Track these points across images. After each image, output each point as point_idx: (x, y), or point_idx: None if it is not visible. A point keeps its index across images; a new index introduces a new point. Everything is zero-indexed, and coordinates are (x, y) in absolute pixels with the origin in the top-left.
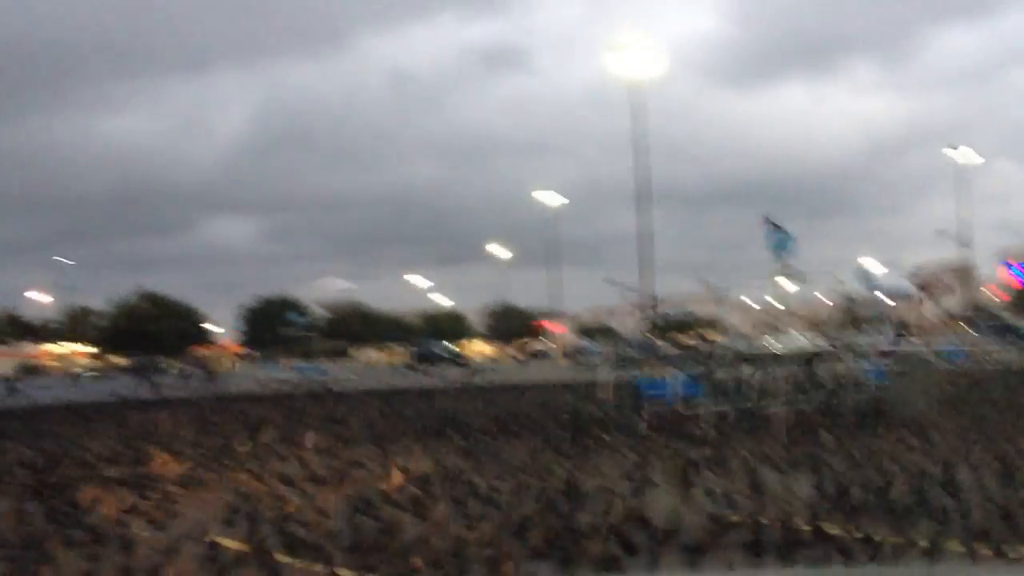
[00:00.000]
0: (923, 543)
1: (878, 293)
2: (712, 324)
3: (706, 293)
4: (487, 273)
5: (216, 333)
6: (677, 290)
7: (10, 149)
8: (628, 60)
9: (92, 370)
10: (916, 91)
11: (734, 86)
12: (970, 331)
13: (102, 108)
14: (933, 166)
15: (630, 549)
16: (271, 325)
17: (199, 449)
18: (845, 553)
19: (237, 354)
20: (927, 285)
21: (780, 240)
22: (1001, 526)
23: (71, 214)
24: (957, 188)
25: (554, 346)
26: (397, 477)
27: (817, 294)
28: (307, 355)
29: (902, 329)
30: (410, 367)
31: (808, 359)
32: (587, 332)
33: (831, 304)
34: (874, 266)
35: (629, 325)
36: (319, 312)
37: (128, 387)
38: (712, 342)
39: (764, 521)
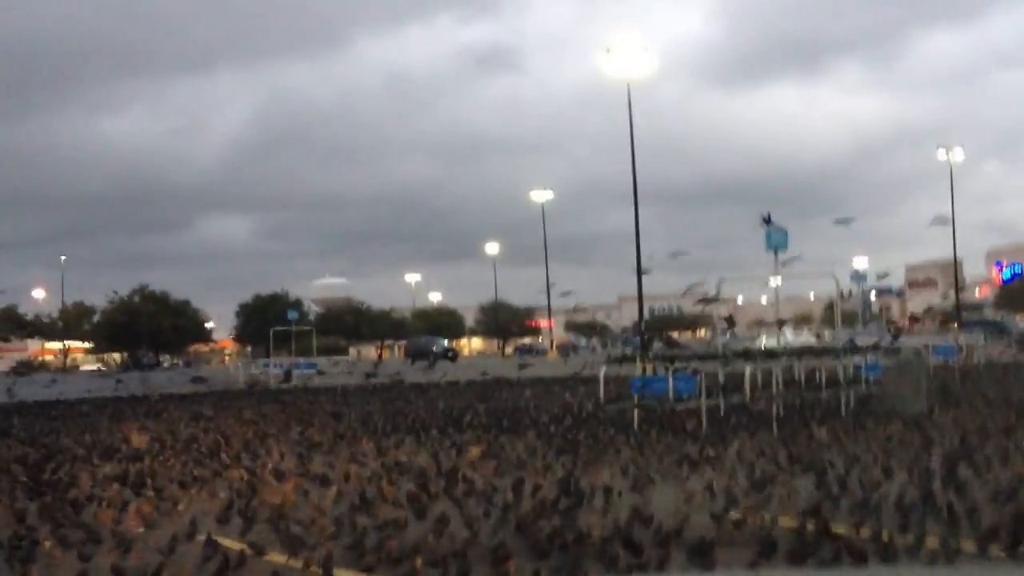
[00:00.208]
0: (934, 543)
1: (868, 290)
2: (703, 321)
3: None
4: (481, 270)
5: (214, 330)
6: (669, 288)
7: (13, 148)
8: (621, 60)
9: (99, 365)
10: (903, 92)
11: (724, 87)
12: (957, 327)
13: (104, 108)
14: (920, 166)
15: (634, 549)
16: (266, 322)
17: (194, 444)
18: (855, 554)
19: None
20: (915, 283)
21: (778, 238)
22: (1013, 525)
23: (73, 213)
24: (950, 187)
25: (545, 342)
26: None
27: (809, 292)
28: (302, 351)
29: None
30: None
31: (799, 354)
32: (579, 329)
33: (822, 301)
34: (863, 264)
35: (621, 322)
36: (314, 309)
37: (126, 383)
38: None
39: (769, 520)
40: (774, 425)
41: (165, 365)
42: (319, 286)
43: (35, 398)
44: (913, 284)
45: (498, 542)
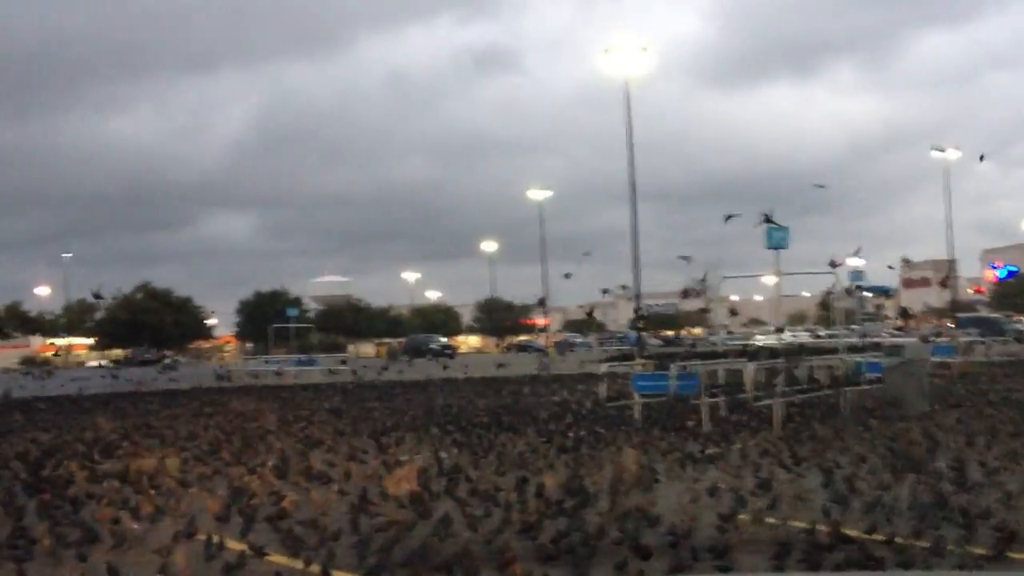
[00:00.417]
0: (949, 546)
1: (864, 289)
2: (700, 319)
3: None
4: (479, 269)
5: (215, 326)
6: (665, 286)
7: (19, 147)
8: (619, 60)
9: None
10: (897, 93)
11: (720, 87)
12: (951, 325)
13: (108, 108)
14: (914, 166)
15: (642, 552)
16: (267, 319)
17: (194, 441)
18: (868, 557)
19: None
20: (910, 282)
21: (779, 237)
22: None
23: (78, 211)
24: (944, 187)
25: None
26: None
27: (803, 291)
28: (302, 348)
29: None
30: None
31: (797, 352)
32: (575, 326)
33: (816, 300)
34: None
35: (617, 320)
36: (313, 306)
37: (128, 378)
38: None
39: (779, 521)
40: (776, 424)
41: (167, 362)
42: (318, 284)
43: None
44: (908, 283)
45: (503, 544)
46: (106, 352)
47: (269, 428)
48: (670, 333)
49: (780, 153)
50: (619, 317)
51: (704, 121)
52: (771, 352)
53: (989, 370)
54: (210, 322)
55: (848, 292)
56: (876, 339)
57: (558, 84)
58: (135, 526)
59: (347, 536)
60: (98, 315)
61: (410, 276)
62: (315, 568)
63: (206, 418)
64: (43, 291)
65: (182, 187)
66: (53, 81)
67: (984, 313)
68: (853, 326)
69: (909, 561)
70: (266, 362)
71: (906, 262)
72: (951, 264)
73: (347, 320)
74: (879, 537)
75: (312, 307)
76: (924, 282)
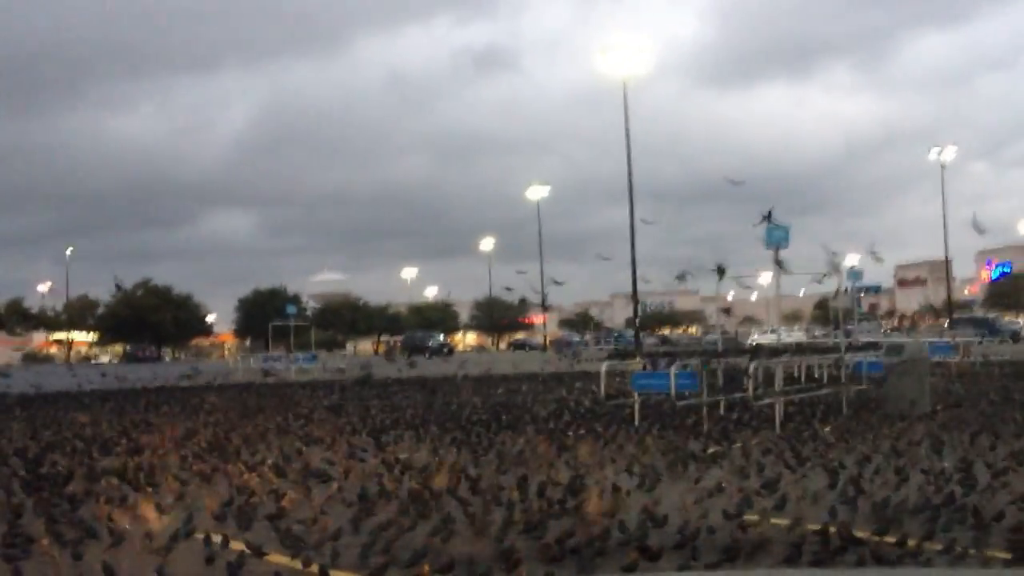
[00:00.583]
0: (970, 550)
1: (860, 288)
2: (694, 318)
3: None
4: (477, 267)
5: (215, 324)
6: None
7: (23, 146)
8: (617, 60)
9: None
10: (892, 94)
11: (717, 87)
12: (946, 325)
13: (111, 107)
14: (909, 167)
15: (650, 554)
16: (266, 316)
17: (193, 439)
18: (881, 560)
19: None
20: (905, 281)
21: (779, 235)
22: None
23: (80, 209)
24: (942, 187)
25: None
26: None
27: (799, 290)
28: (301, 346)
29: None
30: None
31: (793, 351)
32: (572, 324)
33: (811, 299)
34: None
35: (613, 318)
36: (312, 304)
37: (129, 375)
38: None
39: (788, 523)
40: (776, 423)
41: (167, 359)
42: (317, 282)
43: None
44: (902, 283)
45: (508, 545)
46: (108, 348)
47: (268, 426)
48: (666, 331)
49: (776, 153)
50: (615, 316)
51: (701, 121)
52: (774, 351)
53: (986, 370)
54: (209, 319)
55: (846, 292)
56: (868, 339)
57: (556, 84)
58: (128, 526)
59: (347, 536)
60: (99, 311)
61: (408, 274)
62: (314, 568)
63: (206, 415)
64: (44, 287)
65: (183, 185)
66: (55, 80)
67: (980, 314)
68: (848, 326)
69: (922, 562)
70: (263, 360)
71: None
72: (946, 264)
73: (346, 318)
74: (890, 539)
75: (311, 305)
76: (919, 282)
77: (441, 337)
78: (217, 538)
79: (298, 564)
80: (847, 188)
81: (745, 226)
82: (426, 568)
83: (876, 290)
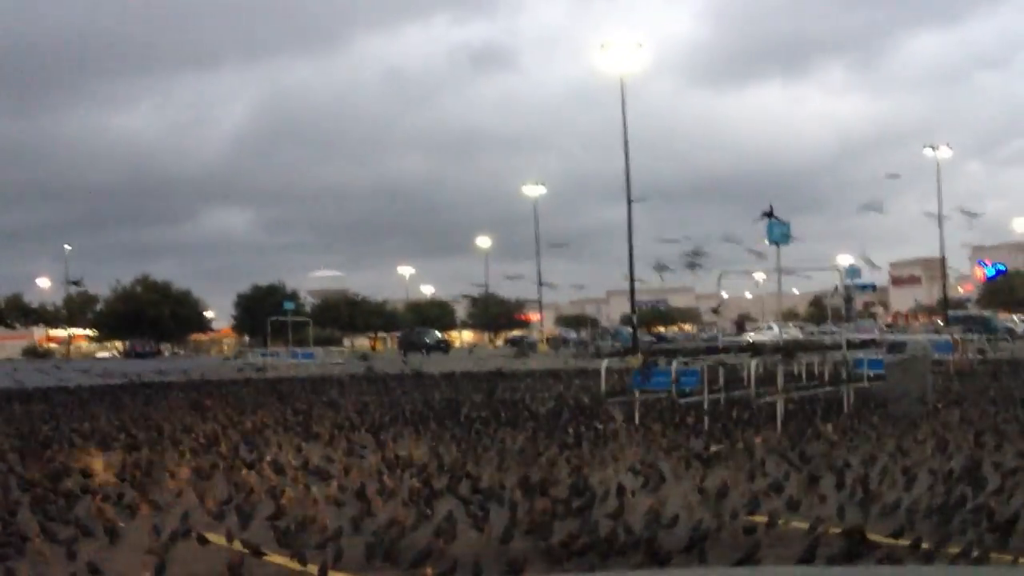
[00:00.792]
0: (979, 551)
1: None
2: (690, 316)
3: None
4: (474, 264)
5: (214, 320)
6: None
7: (22, 141)
8: (614, 57)
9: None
10: (886, 93)
11: (712, 86)
12: (942, 323)
13: (111, 104)
14: (903, 166)
15: (658, 557)
16: (264, 312)
17: (191, 435)
18: (895, 563)
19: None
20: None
21: (780, 232)
22: None
23: (80, 205)
24: (937, 185)
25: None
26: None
27: (792, 288)
28: (298, 342)
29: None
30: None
31: (791, 349)
32: (568, 322)
33: (807, 297)
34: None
35: (610, 316)
36: (310, 301)
37: (128, 371)
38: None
39: (800, 525)
40: (778, 421)
41: (166, 354)
42: (315, 278)
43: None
44: (897, 281)
45: (512, 548)
46: (107, 344)
47: (267, 422)
48: (662, 329)
49: (771, 152)
50: (611, 313)
51: (696, 119)
52: (776, 348)
53: (984, 367)
54: (208, 315)
55: (844, 290)
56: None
57: (553, 82)
58: (122, 524)
59: (348, 536)
60: (98, 307)
61: (405, 271)
62: (314, 568)
63: (204, 411)
64: (43, 283)
65: (182, 182)
66: (56, 77)
67: (975, 312)
68: (844, 323)
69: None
70: (261, 355)
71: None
72: (942, 263)
73: (343, 314)
74: (905, 541)
75: (309, 301)
76: (913, 280)
77: (438, 334)
78: (215, 537)
79: (298, 564)
80: (841, 187)
81: (741, 225)
82: (429, 571)
83: (873, 289)
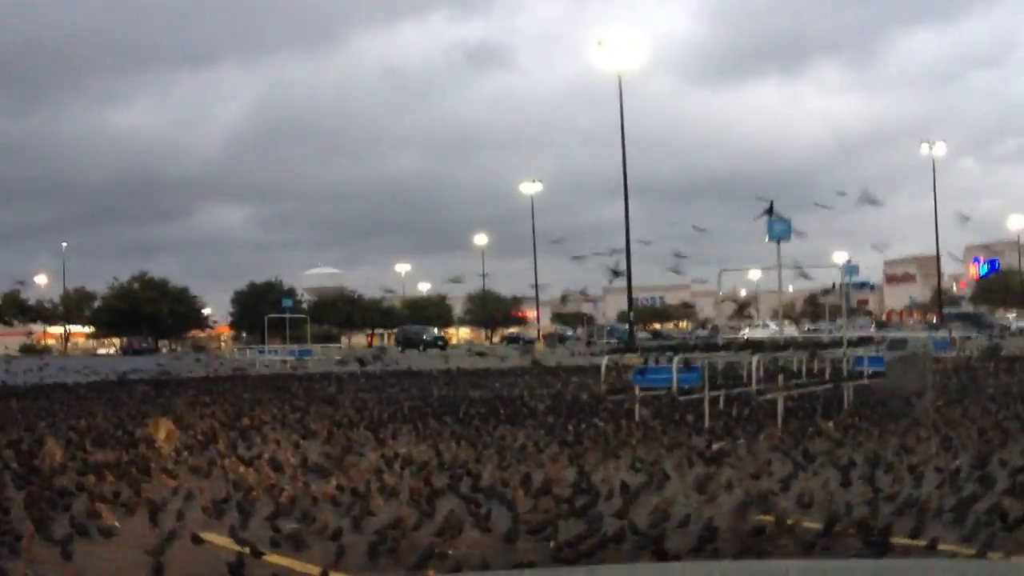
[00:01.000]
0: (1002, 554)
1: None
2: (686, 313)
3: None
4: (471, 262)
5: (211, 317)
6: (652, 280)
7: (21, 139)
8: (612, 53)
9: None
10: (882, 92)
11: (709, 84)
12: (937, 321)
13: (109, 100)
14: (899, 164)
15: (667, 558)
16: (261, 309)
17: (190, 431)
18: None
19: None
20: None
21: (781, 228)
22: None
23: (78, 202)
24: (932, 182)
25: (532, 332)
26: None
27: (789, 285)
28: (296, 339)
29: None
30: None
31: (801, 346)
32: (564, 319)
33: (802, 294)
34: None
35: (606, 313)
36: (307, 298)
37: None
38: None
39: (814, 526)
40: (778, 418)
41: (164, 351)
42: (312, 275)
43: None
44: (891, 279)
45: (517, 548)
46: (107, 341)
47: (265, 419)
48: (658, 326)
49: (767, 150)
50: (608, 310)
51: (692, 118)
52: (776, 345)
53: (981, 364)
54: (206, 312)
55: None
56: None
57: (550, 80)
58: (116, 524)
59: (348, 535)
60: (96, 304)
61: (402, 268)
62: (314, 569)
63: (201, 407)
64: (41, 280)
65: (180, 179)
66: (54, 74)
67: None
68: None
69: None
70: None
71: (880, 249)
72: (936, 260)
73: (340, 311)
74: (921, 542)
75: (306, 298)
76: (908, 278)
77: (435, 331)
78: (213, 537)
79: (297, 564)
80: (838, 185)
81: (739, 223)
82: (430, 573)
83: (871, 287)
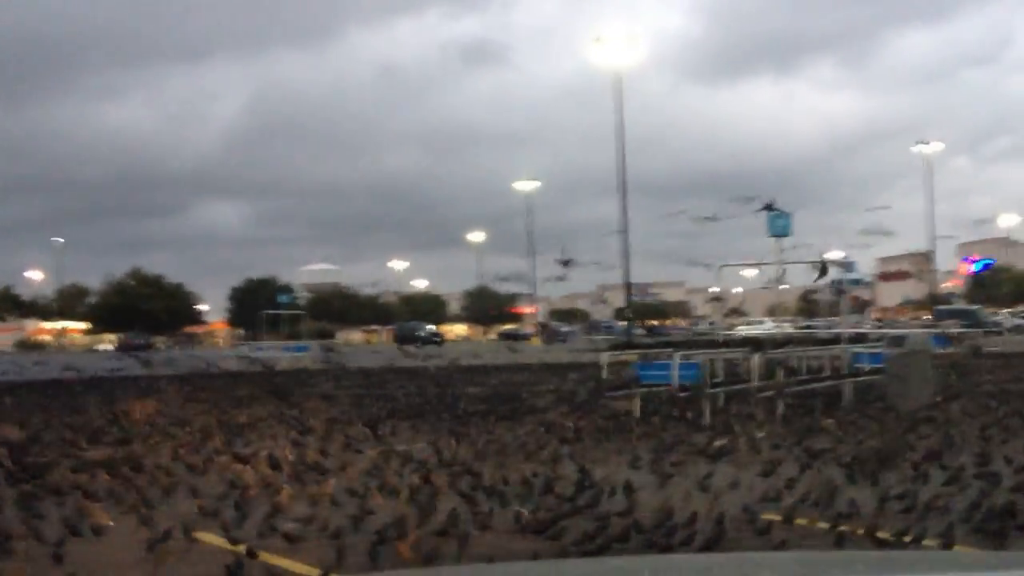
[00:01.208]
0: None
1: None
2: (682, 311)
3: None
4: (467, 258)
5: (207, 313)
6: (649, 277)
7: (15, 134)
8: (609, 50)
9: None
10: (876, 90)
11: (705, 82)
12: (930, 316)
13: (104, 96)
14: (893, 161)
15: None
16: (257, 306)
17: (185, 428)
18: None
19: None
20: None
21: (781, 225)
22: None
23: (73, 198)
24: (926, 180)
25: (529, 328)
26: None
27: (785, 283)
28: (292, 335)
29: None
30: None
31: (785, 343)
32: (560, 316)
33: (796, 291)
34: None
35: (603, 310)
36: (303, 294)
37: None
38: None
39: (825, 526)
40: (778, 415)
41: (160, 348)
42: (308, 271)
43: None
44: (885, 276)
45: (521, 547)
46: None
47: (261, 416)
48: (655, 323)
49: (763, 148)
50: (604, 307)
51: (688, 115)
52: (776, 343)
53: (976, 361)
54: (201, 308)
55: (836, 286)
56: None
57: (546, 77)
58: (111, 523)
59: (348, 535)
60: (91, 300)
61: (398, 265)
62: (314, 569)
63: (199, 404)
64: (35, 275)
65: (175, 175)
66: (48, 69)
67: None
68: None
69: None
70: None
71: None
72: (931, 256)
73: (336, 308)
74: (932, 543)
75: (302, 294)
76: (901, 275)
77: (432, 327)
78: (209, 537)
79: (296, 564)
80: (832, 183)
81: (736, 220)
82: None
83: (868, 284)
